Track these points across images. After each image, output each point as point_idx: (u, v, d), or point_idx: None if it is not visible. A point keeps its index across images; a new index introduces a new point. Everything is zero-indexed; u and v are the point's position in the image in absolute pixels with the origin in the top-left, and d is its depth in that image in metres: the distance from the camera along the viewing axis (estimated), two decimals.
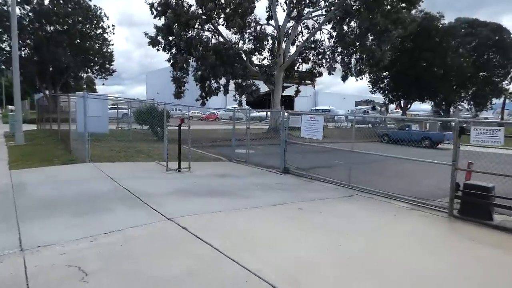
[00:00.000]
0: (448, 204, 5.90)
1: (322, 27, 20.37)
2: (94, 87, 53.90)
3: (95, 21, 36.00)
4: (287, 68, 21.34)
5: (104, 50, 37.34)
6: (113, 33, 37.35)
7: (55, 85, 34.54)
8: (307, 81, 29.68)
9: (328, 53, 21.65)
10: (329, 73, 20.83)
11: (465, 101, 42.01)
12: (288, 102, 44.51)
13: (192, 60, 18.42)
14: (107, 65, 38.03)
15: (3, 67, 33.53)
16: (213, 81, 21.08)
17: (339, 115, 30.37)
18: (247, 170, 9.54)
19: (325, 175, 8.41)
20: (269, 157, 11.49)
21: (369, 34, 18.40)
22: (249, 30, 19.45)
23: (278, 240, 4.10)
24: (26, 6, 33.52)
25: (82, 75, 39.40)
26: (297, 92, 24.49)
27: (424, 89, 34.95)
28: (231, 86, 22.23)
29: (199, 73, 19.83)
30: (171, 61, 18.76)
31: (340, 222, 4.99)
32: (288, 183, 7.86)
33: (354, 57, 20.31)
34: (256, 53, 19.60)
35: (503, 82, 39.03)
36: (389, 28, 16.69)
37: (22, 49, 33.88)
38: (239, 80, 19.75)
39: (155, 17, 17.45)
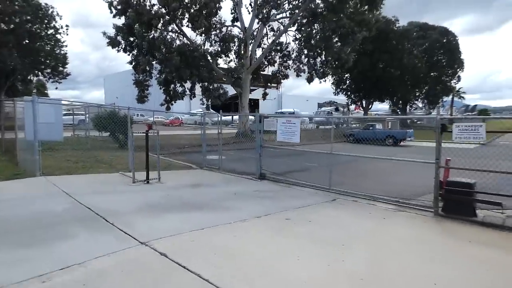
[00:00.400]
0: (433, 203, 5.78)
1: (288, 29, 20.25)
2: (46, 91, 49.84)
3: (46, 21, 33.14)
4: (254, 70, 20.93)
5: (56, 52, 34.51)
6: (67, 34, 34.62)
7: None
8: (272, 84, 29.55)
9: (293, 55, 21.57)
10: (297, 75, 20.71)
11: (419, 100, 44.58)
12: (253, 106, 44.33)
13: (156, 62, 17.28)
14: (60, 68, 35.22)
15: None
16: (178, 85, 20.13)
17: (303, 117, 30.62)
18: (221, 177, 8.92)
19: (302, 179, 8.05)
20: (242, 163, 10.98)
21: (334, 36, 18.55)
22: (214, 32, 18.76)
23: (273, 260, 3.56)
24: None
25: (32, 78, 36.11)
26: (265, 95, 24.17)
27: (383, 90, 36.51)
28: (197, 90, 21.39)
29: (163, 76, 18.78)
30: (133, 63, 17.49)
31: (333, 231, 4.58)
32: (267, 189, 7.37)
33: (320, 59, 20.38)
34: (223, 55, 18.87)
35: (452, 81, 42.00)
36: (355, 30, 16.90)
37: None
38: (206, 83, 18.91)
39: (114, 16, 16.15)
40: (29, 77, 36.71)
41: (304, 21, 18.63)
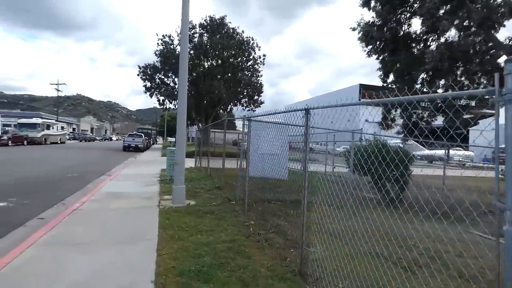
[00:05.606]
0: None
1: None
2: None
3: (246, 53, 33.77)
4: None
5: (254, 82, 34.59)
6: (263, 63, 34.24)
7: (207, 117, 33.18)
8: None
9: None
10: None
11: None
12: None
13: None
14: (256, 97, 35.07)
15: (167, 101, 34.29)
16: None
17: None
18: None
19: None
20: None
21: None
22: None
23: None
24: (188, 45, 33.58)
25: (231, 108, 37.69)
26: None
27: None
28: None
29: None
30: (383, 71, 11.49)
31: None
32: None
33: None
34: None
35: None
36: None
37: None
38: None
39: (364, 5, 10.85)
40: (229, 107, 38.39)
41: None
